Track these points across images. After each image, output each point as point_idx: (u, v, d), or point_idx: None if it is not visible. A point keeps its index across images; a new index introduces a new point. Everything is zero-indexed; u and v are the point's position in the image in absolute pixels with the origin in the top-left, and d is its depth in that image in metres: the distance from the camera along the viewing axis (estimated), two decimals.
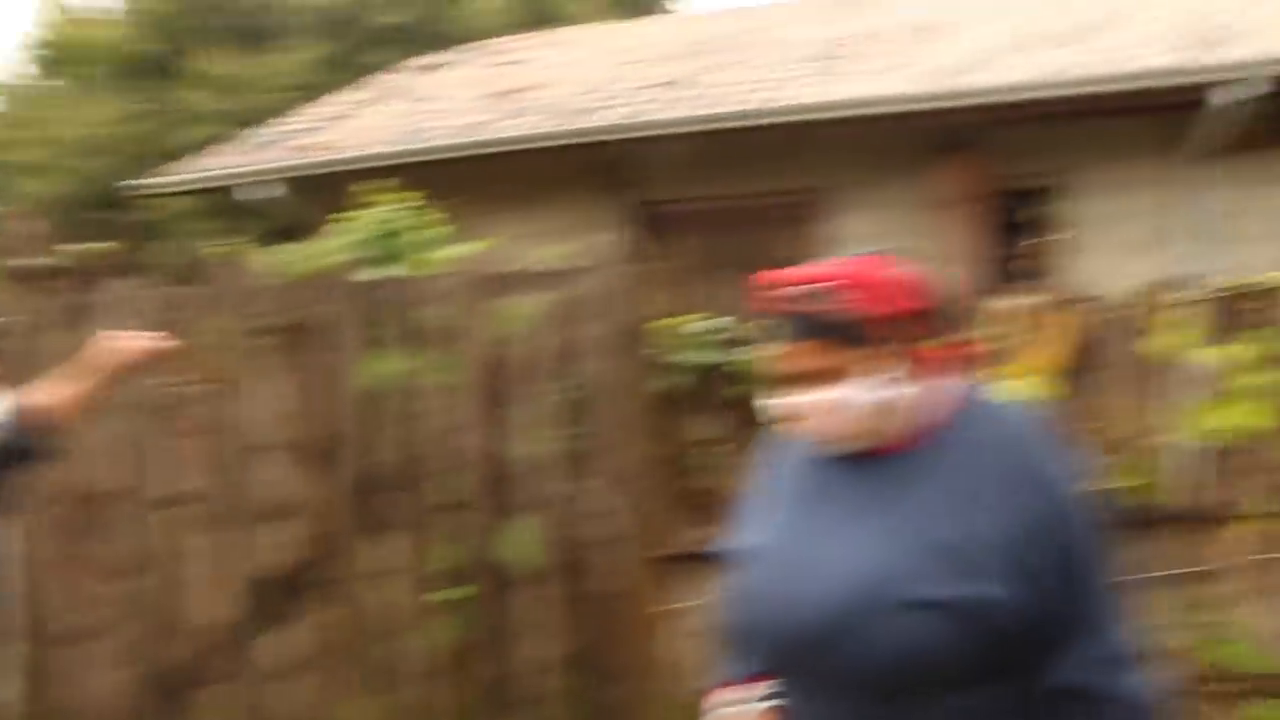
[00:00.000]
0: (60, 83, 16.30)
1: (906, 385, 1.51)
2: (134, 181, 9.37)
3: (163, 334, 2.77)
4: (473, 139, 8.22)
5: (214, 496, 3.61)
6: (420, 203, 4.41)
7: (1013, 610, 1.38)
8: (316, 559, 3.57)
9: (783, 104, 7.36)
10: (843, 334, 1.49)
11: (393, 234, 4.35)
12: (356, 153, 8.37)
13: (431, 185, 4.59)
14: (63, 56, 16.75)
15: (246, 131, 9.83)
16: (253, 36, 14.09)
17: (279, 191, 8.81)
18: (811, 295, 1.50)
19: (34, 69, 18.18)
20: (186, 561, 3.83)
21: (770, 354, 1.53)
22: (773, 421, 1.57)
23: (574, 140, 7.82)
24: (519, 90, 9.46)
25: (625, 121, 7.77)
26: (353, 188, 4.45)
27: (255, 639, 3.57)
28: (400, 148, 8.26)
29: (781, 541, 1.58)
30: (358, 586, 3.61)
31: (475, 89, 9.99)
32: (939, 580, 1.40)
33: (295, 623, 3.60)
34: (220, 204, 11.30)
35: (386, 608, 3.63)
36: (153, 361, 2.70)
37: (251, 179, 8.57)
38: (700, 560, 4.17)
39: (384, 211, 4.37)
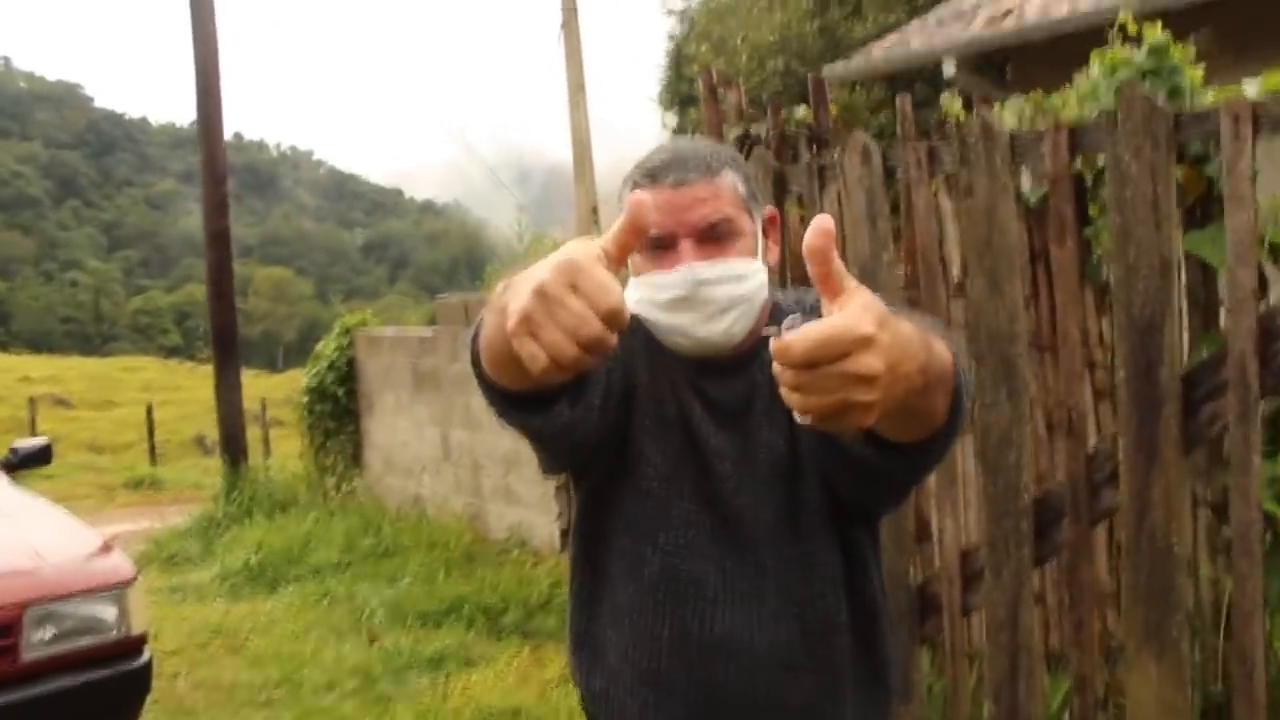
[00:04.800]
0: None
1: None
2: (823, 73, 9.39)
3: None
4: None
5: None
6: (1164, 44, 3.57)
7: None
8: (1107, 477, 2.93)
9: None
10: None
11: (1168, 70, 3.56)
12: (1059, 15, 7.51)
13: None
14: None
15: (931, 15, 9.39)
16: None
17: (956, 70, 8.32)
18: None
19: None
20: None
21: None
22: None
23: None
24: None
25: None
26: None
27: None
28: (1106, 4, 7.22)
29: None
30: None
31: None
32: None
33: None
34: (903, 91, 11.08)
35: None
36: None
37: (943, 56, 8.12)
38: None
39: (1134, 53, 3.61)
